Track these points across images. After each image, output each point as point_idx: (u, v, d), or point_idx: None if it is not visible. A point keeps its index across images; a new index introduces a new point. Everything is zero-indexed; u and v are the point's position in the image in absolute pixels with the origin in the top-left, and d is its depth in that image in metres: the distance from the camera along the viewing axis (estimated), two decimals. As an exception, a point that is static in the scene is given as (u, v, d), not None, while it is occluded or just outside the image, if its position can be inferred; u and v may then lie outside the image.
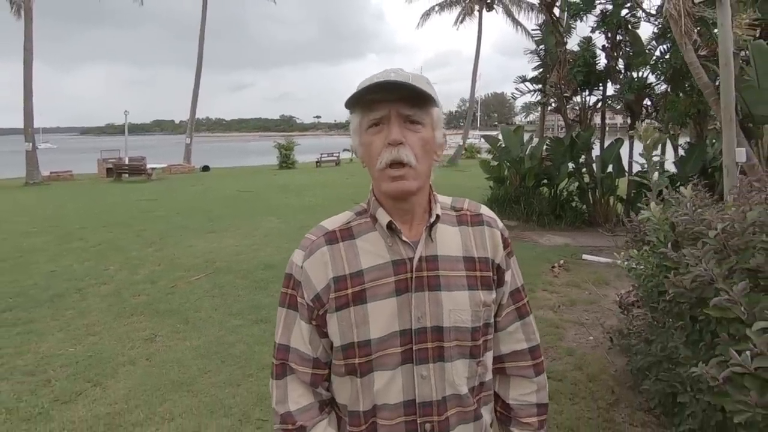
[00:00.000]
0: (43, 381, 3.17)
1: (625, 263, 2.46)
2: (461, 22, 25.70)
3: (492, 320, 0.95)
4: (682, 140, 9.38)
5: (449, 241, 0.92)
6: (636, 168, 8.73)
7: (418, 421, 0.87)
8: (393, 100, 0.83)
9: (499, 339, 0.99)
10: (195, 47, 25.96)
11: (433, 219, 0.89)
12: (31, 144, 18.02)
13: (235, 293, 4.83)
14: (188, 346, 3.69)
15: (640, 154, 2.71)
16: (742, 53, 5.21)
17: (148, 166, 19.78)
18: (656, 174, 2.30)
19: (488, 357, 0.95)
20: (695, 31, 5.10)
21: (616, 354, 3.44)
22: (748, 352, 1.19)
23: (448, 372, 0.88)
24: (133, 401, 2.91)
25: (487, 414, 0.96)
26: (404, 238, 0.88)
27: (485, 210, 0.98)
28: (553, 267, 5.73)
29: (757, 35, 4.75)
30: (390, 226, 0.88)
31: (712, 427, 1.94)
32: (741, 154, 4.32)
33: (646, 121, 10.13)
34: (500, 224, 0.98)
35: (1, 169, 24.61)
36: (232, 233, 7.80)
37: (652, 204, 1.91)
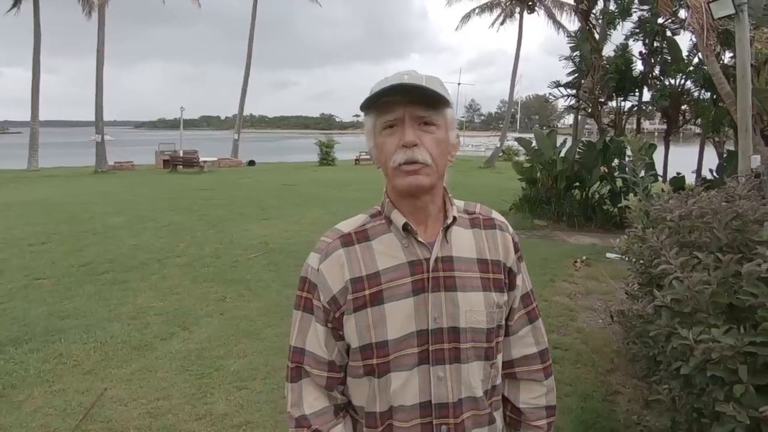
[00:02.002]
0: (144, 324, 4.00)
1: (619, 247, 2.96)
2: (501, 24, 25.82)
3: (503, 322, 0.96)
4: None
5: (463, 242, 0.92)
6: (671, 173, 8.91)
7: (434, 423, 0.87)
8: (406, 102, 0.84)
9: (509, 343, 1.00)
10: (242, 46, 27.51)
11: (450, 220, 0.90)
12: (100, 136, 19.82)
13: (288, 269, 5.58)
14: (253, 306, 4.45)
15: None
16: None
17: (201, 159, 21.25)
18: (642, 172, 2.77)
19: (500, 360, 0.97)
20: (717, 42, 5.39)
21: (620, 333, 3.90)
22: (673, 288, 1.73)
23: (464, 373, 0.89)
24: (214, 342, 3.68)
25: (499, 419, 0.97)
26: (420, 239, 0.89)
27: (496, 214, 1.00)
28: (575, 262, 6.14)
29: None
30: (405, 227, 0.88)
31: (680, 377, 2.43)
32: (755, 160, 4.63)
33: (683, 127, 10.20)
34: (511, 229, 1.00)
35: (69, 158, 27.13)
36: (282, 220, 8.64)
37: (631, 195, 2.42)
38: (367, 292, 0.87)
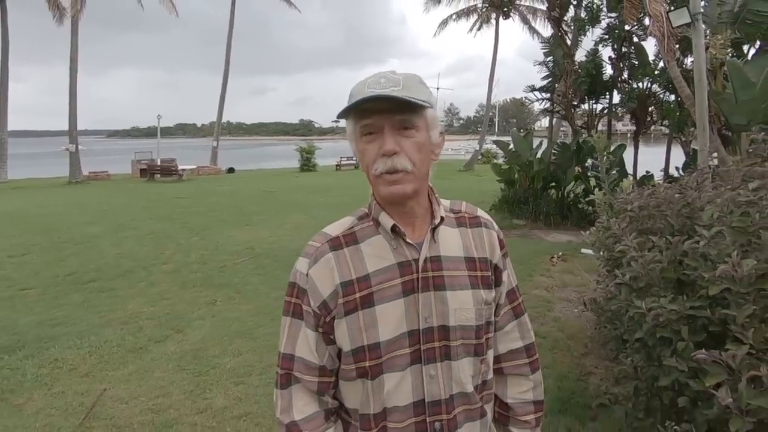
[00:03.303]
0: (137, 328, 4.07)
1: (589, 239, 3.20)
2: (478, 29, 26.43)
3: (492, 318, 0.97)
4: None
5: (451, 242, 0.93)
6: (641, 171, 9.36)
7: (428, 420, 0.89)
8: (385, 108, 0.83)
9: (496, 339, 1.01)
10: (218, 52, 27.37)
11: (437, 221, 0.91)
12: (74, 145, 19.43)
13: (275, 273, 5.70)
14: (243, 309, 4.56)
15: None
16: (724, 68, 5.87)
17: (179, 167, 21.03)
18: (614, 171, 3.03)
19: (490, 355, 0.98)
20: (679, 48, 5.78)
21: (593, 320, 4.16)
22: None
23: (455, 370, 0.90)
24: (208, 342, 3.78)
25: (490, 411, 0.99)
26: (408, 240, 0.89)
27: (482, 212, 1.01)
28: (552, 257, 6.43)
29: (732, 53, 5.41)
30: (394, 229, 0.89)
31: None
32: (714, 158, 4.99)
33: (653, 127, 10.72)
34: (496, 226, 1.01)
35: (39, 169, 26.44)
36: (265, 226, 8.72)
37: (596, 190, 2.67)
38: (357, 295, 0.87)
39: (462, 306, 0.90)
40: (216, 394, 2.99)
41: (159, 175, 20.58)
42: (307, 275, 0.90)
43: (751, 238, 1.59)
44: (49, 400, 2.94)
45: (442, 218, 0.92)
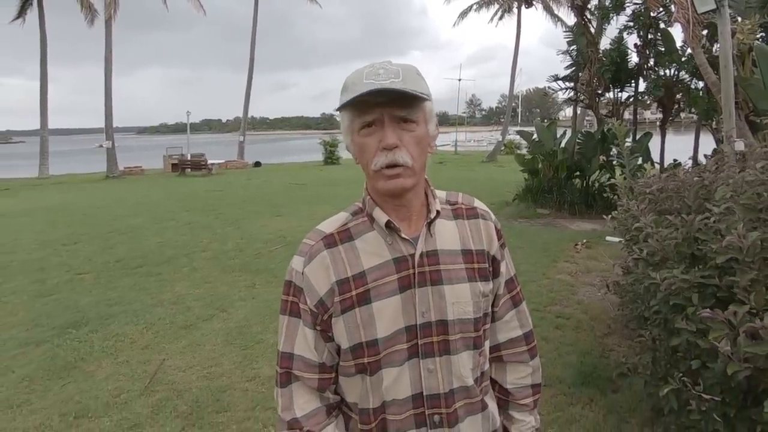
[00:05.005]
0: (185, 308, 4.43)
1: (611, 223, 3.34)
2: (500, 19, 26.15)
3: (490, 310, 0.98)
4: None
5: (447, 235, 0.93)
6: (669, 159, 9.25)
7: (427, 413, 0.89)
8: (384, 102, 0.82)
9: (495, 328, 1.02)
10: (241, 49, 28.17)
11: (433, 215, 0.91)
12: (111, 142, 20.31)
13: (307, 259, 5.99)
14: (281, 291, 4.83)
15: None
16: (753, 53, 5.80)
17: (209, 161, 21.70)
18: (639, 158, 3.15)
19: (487, 346, 0.99)
20: (706, 35, 5.75)
21: (616, 303, 4.29)
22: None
23: (455, 364, 0.90)
24: (251, 320, 4.10)
25: (492, 403, 1.00)
26: (403, 236, 0.89)
27: (479, 203, 1.01)
28: (576, 245, 6.51)
29: (761, 38, 5.37)
30: (389, 225, 0.88)
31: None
32: (739, 144, 4.98)
33: (682, 114, 10.56)
34: (493, 217, 1.01)
35: (76, 165, 27.67)
36: (294, 216, 9.06)
37: (617, 174, 2.80)
38: (354, 293, 0.87)
39: (460, 299, 0.90)
40: (262, 365, 3.28)
41: (190, 170, 21.27)
42: (302, 274, 0.90)
43: (761, 215, 1.74)
44: (116, 367, 3.30)
45: (438, 212, 0.92)
